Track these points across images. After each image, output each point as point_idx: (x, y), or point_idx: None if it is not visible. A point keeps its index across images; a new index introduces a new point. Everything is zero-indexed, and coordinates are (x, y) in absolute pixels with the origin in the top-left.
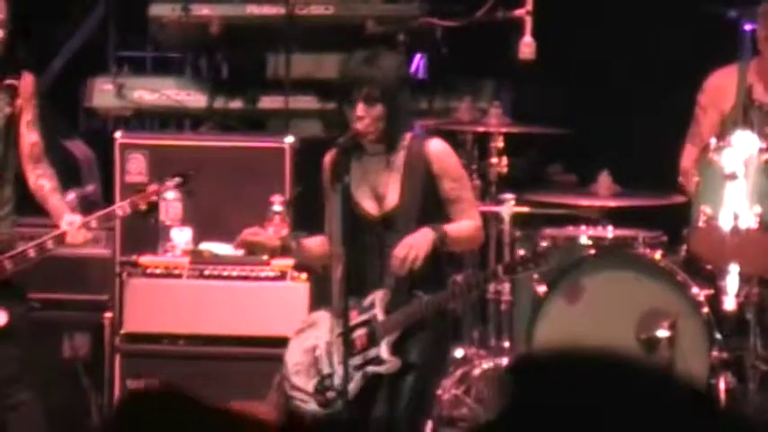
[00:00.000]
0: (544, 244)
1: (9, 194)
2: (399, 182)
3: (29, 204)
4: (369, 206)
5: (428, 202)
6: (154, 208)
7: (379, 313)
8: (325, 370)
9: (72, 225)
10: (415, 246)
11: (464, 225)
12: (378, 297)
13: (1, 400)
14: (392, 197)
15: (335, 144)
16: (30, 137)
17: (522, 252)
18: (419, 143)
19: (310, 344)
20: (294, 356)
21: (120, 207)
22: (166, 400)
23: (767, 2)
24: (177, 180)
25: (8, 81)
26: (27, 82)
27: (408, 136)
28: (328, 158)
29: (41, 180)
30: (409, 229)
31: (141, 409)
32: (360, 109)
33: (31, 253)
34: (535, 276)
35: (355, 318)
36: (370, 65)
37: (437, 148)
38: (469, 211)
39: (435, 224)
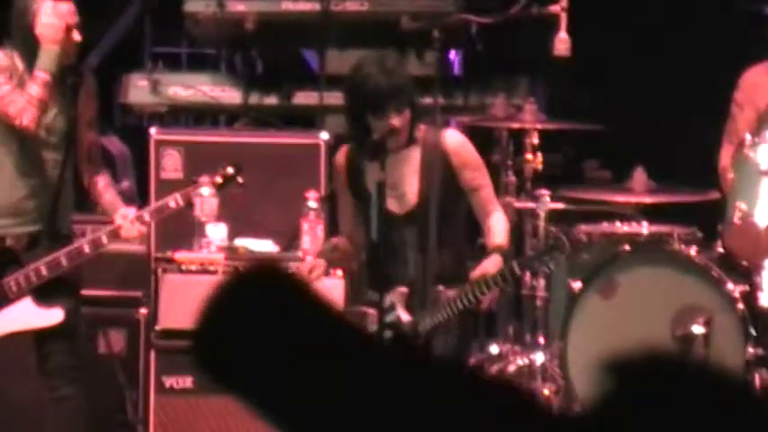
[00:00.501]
0: (559, 235)
1: (70, 193)
2: (418, 178)
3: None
4: (390, 204)
5: (448, 196)
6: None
7: (402, 314)
8: None
9: (126, 218)
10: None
11: (502, 224)
12: (396, 298)
13: (46, 392)
14: (412, 194)
15: (367, 145)
16: (89, 136)
17: (535, 246)
18: (434, 136)
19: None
20: None
21: (174, 199)
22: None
23: None
24: (229, 170)
25: (70, 81)
26: (88, 82)
27: (422, 128)
28: (341, 158)
29: (96, 177)
30: (430, 224)
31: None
32: (395, 120)
33: (86, 249)
34: (563, 270)
35: (374, 316)
36: (389, 74)
37: (454, 140)
38: (493, 197)
39: (498, 245)
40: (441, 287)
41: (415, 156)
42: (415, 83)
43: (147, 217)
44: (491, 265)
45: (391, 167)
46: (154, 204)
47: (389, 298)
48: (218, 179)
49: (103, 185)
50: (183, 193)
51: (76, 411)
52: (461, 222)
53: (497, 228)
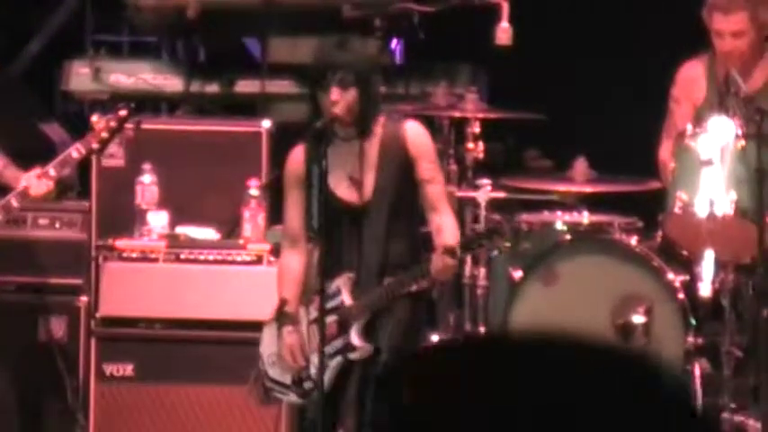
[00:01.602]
0: (501, 221)
1: None
2: (375, 168)
3: None
4: (346, 194)
5: (404, 186)
6: (105, 144)
7: (346, 299)
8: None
9: (31, 177)
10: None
11: (452, 226)
12: (342, 282)
13: None
14: (369, 184)
15: (309, 129)
16: None
17: (476, 229)
18: (394, 126)
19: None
20: (269, 347)
21: (75, 149)
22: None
23: None
24: (123, 113)
25: None
26: None
27: (381, 120)
28: (299, 153)
29: None
30: (384, 214)
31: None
32: (334, 93)
33: None
34: (504, 258)
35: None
36: (344, 49)
37: (414, 129)
38: (444, 194)
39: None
40: (389, 279)
41: (373, 147)
42: (377, 72)
43: (52, 171)
44: (443, 266)
45: (345, 156)
46: (57, 158)
47: (336, 283)
48: (113, 123)
49: (1, 166)
50: (82, 141)
51: (5, 400)
52: (416, 213)
53: (449, 229)
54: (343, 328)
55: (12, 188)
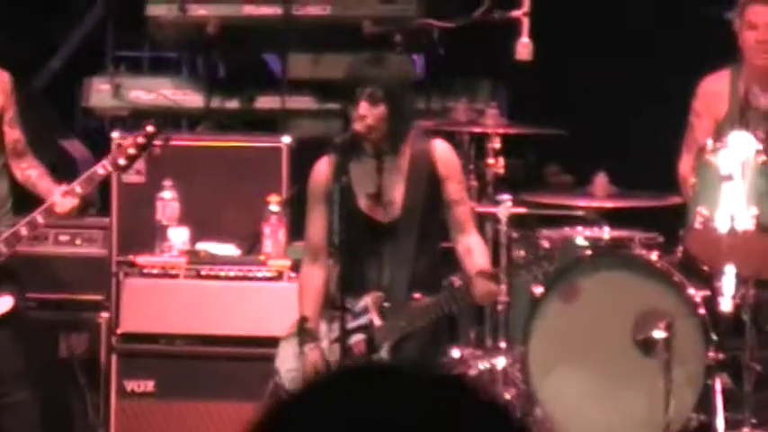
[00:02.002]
0: (546, 245)
1: (4, 193)
2: (404, 187)
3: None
4: (375, 211)
5: (432, 206)
6: (132, 161)
7: (375, 318)
8: None
9: (57, 194)
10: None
11: (482, 248)
12: (371, 301)
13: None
14: (398, 203)
15: (333, 144)
16: (12, 134)
17: (522, 254)
18: (423, 144)
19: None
20: (287, 363)
21: (101, 166)
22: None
23: None
24: (149, 129)
25: None
26: (4, 80)
27: (410, 138)
28: (323, 167)
29: (28, 171)
30: (412, 233)
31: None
32: (362, 108)
33: (23, 231)
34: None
35: (348, 323)
36: (375, 65)
37: (443, 149)
38: (471, 215)
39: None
40: (417, 294)
41: (402, 165)
42: (409, 90)
43: (78, 188)
44: (488, 292)
45: (374, 173)
46: (84, 174)
47: (363, 301)
48: (140, 139)
49: (37, 175)
50: (109, 158)
51: (30, 417)
52: (439, 231)
53: (479, 251)
54: (372, 347)
55: (43, 200)
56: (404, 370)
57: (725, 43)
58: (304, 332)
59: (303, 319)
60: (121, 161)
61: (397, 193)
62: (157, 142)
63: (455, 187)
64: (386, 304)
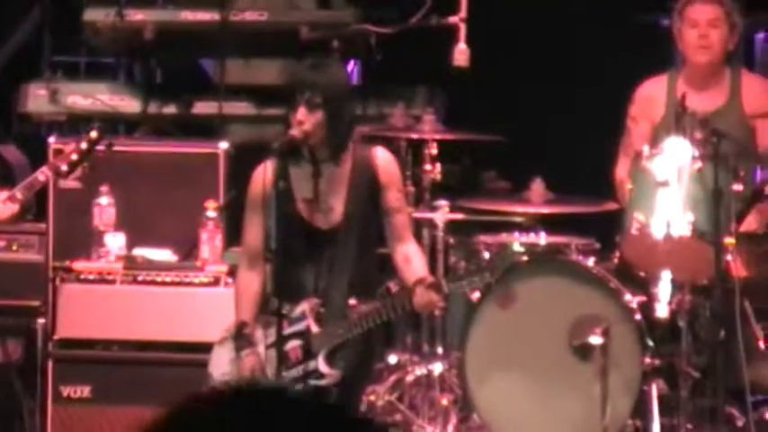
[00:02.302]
0: (487, 255)
1: None
2: (345, 193)
3: None
4: (313, 217)
5: (371, 213)
6: (74, 167)
7: (312, 324)
8: None
9: None
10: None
11: (420, 257)
12: (308, 307)
13: None
14: (338, 209)
15: (271, 149)
16: None
17: (463, 264)
18: (363, 152)
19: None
20: (220, 367)
21: (42, 172)
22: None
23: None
24: (93, 135)
25: None
26: None
27: (351, 145)
28: (262, 172)
29: None
30: (352, 240)
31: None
32: (300, 113)
33: None
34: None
35: (284, 328)
36: (314, 71)
37: (384, 157)
38: (409, 224)
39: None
40: (353, 300)
41: (344, 172)
42: (349, 96)
43: (18, 195)
44: (429, 301)
45: (314, 179)
46: (24, 181)
47: (300, 307)
48: (83, 145)
49: None
50: (51, 164)
51: None
52: (376, 238)
53: (417, 259)
54: (308, 353)
55: None
56: (287, 397)
57: (660, 49)
58: (241, 337)
59: (241, 324)
60: (63, 167)
61: (338, 200)
62: (100, 147)
63: (395, 195)
64: (323, 311)
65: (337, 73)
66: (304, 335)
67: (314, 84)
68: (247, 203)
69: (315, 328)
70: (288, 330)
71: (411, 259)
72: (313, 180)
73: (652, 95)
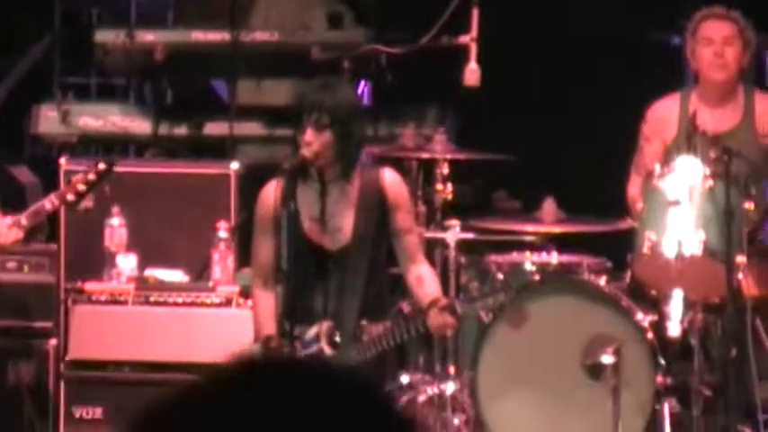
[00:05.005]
0: (499, 275)
1: None
2: (354, 214)
3: None
4: (321, 238)
5: (381, 235)
6: (81, 197)
7: (325, 347)
8: None
9: (2, 225)
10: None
11: (433, 277)
12: (322, 330)
13: None
14: (347, 230)
15: (281, 169)
16: None
17: (476, 285)
18: (371, 173)
19: None
20: None
21: (49, 200)
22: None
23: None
24: (101, 166)
25: None
26: None
27: (359, 166)
28: (270, 192)
29: None
30: (362, 262)
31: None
32: (308, 134)
33: None
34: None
35: (297, 351)
36: (322, 91)
37: (392, 178)
38: (419, 244)
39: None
40: (364, 322)
41: (352, 192)
42: (357, 116)
43: (23, 221)
44: (444, 324)
45: (323, 200)
46: (30, 208)
47: (313, 330)
48: (91, 176)
49: None
50: (58, 193)
51: None
52: (386, 260)
53: (430, 280)
54: None
55: None
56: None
57: (671, 68)
58: (271, 352)
59: (268, 339)
60: (70, 196)
61: (346, 220)
62: (108, 176)
63: (404, 217)
64: (337, 333)
65: (345, 93)
66: (318, 358)
67: (321, 104)
68: (256, 224)
69: (328, 351)
70: (300, 353)
71: (424, 280)
72: (321, 200)
73: (664, 115)
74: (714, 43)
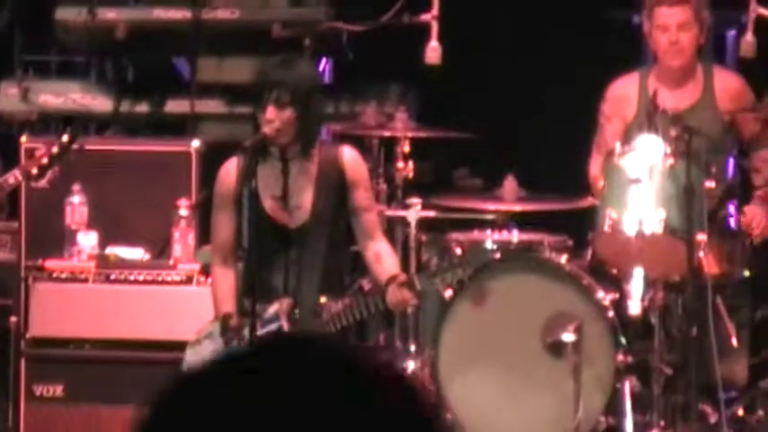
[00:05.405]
0: (458, 251)
1: None
2: (313, 192)
3: None
4: (281, 216)
5: (340, 212)
6: (45, 171)
7: (285, 324)
8: None
9: None
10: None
11: (391, 254)
12: (281, 307)
13: None
14: (306, 208)
15: (242, 147)
16: None
17: (436, 261)
18: (331, 150)
19: (210, 356)
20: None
21: (12, 175)
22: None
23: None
24: (65, 137)
25: None
26: None
27: (318, 143)
28: (229, 170)
29: None
30: (321, 239)
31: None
32: (270, 112)
33: None
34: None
35: (257, 329)
36: (283, 69)
37: (351, 155)
38: (378, 221)
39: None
40: (324, 299)
41: (311, 170)
42: (318, 93)
43: None
44: (402, 299)
45: (282, 177)
46: None
47: (272, 308)
48: (54, 149)
49: None
50: (21, 167)
51: None
52: (346, 237)
53: (388, 257)
54: None
55: None
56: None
57: (632, 46)
58: (229, 330)
59: (226, 317)
60: (34, 170)
61: (305, 198)
62: (73, 148)
63: (363, 194)
64: (296, 311)
65: (306, 70)
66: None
67: (282, 82)
68: (216, 201)
69: (287, 328)
70: (261, 331)
71: (382, 257)
72: (282, 178)
73: (624, 93)
74: (669, 30)
